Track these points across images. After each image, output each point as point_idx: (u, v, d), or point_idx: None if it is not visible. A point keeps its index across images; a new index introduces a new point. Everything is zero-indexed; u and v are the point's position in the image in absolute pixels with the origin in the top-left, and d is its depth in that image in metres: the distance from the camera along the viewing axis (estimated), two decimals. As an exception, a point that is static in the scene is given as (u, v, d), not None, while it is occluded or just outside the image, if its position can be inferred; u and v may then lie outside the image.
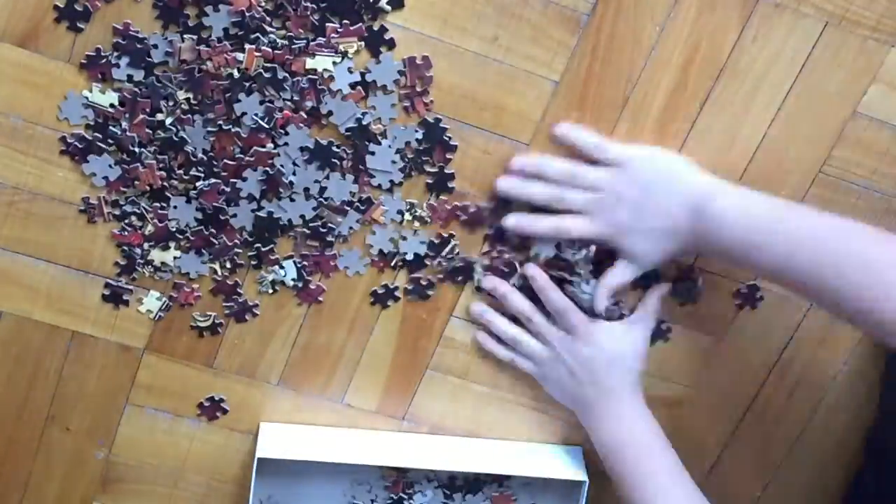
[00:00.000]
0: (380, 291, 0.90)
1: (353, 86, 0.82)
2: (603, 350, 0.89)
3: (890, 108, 0.87)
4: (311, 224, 0.86)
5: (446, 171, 0.86)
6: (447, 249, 0.89)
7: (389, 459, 0.94)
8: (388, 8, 0.79)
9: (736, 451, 1.01)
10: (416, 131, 0.84)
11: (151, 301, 0.89)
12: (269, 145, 0.83)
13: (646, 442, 0.89)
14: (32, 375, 0.91)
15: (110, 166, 0.82)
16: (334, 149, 0.83)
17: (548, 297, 0.89)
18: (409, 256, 0.89)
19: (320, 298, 0.90)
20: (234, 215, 0.85)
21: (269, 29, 0.79)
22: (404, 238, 0.88)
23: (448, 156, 0.85)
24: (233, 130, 0.82)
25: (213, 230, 0.85)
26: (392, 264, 0.89)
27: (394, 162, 0.85)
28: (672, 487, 0.87)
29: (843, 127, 0.88)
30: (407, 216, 0.87)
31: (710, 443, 1.01)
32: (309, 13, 0.78)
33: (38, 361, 0.91)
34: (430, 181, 0.86)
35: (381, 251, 0.88)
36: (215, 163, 0.83)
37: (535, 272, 0.88)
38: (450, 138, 0.85)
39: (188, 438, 0.96)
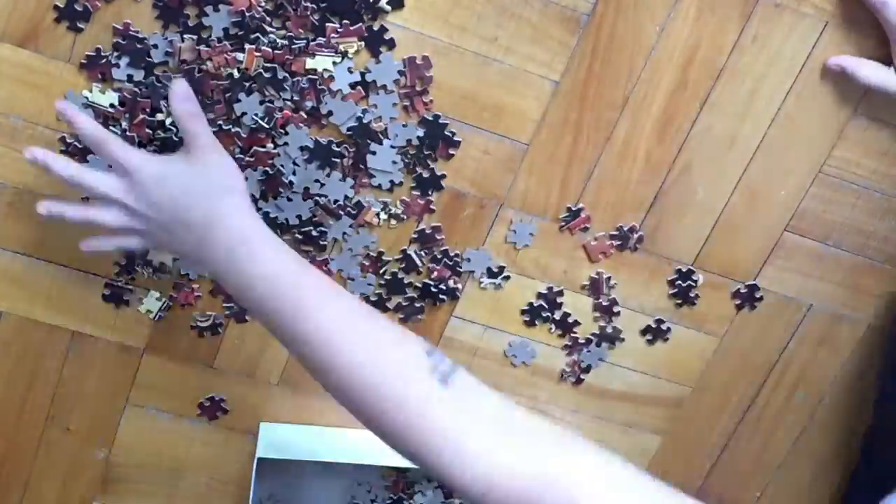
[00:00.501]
0: (374, 297, 0.91)
1: (353, 86, 0.81)
2: (170, 191, 0.73)
3: (890, 108, 0.87)
4: (303, 229, 0.86)
5: (437, 171, 0.86)
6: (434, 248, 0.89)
7: (389, 459, 0.93)
8: (388, 8, 0.79)
9: (736, 451, 1.02)
10: (417, 129, 0.84)
11: (151, 301, 0.89)
12: (269, 145, 0.83)
13: (294, 281, 0.71)
14: (32, 375, 0.91)
15: (110, 166, 0.82)
16: (334, 148, 0.83)
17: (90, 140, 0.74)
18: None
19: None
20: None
21: (268, 29, 0.78)
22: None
23: (451, 151, 0.85)
24: (233, 130, 0.82)
25: (213, 230, 0.85)
26: (381, 270, 0.89)
27: (394, 162, 0.85)
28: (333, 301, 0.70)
29: (843, 127, 0.88)
30: (383, 214, 0.87)
31: (710, 443, 1.01)
32: (309, 13, 0.78)
33: (38, 361, 0.91)
34: (425, 175, 0.86)
35: (369, 255, 0.88)
36: (215, 163, 0.83)
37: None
38: (453, 133, 0.84)
39: (188, 438, 0.96)
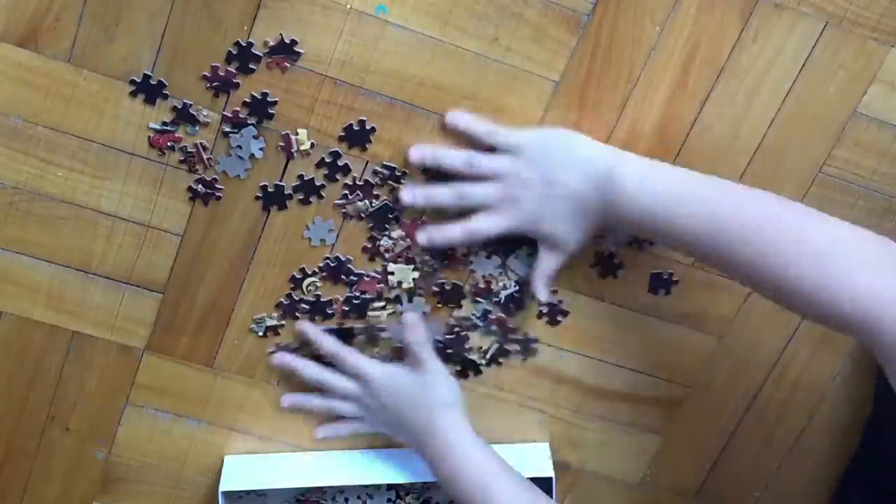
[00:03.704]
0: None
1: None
2: (398, 397, 0.90)
3: (890, 108, 0.87)
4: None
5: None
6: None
7: (363, 478, 0.95)
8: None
9: (736, 451, 1.01)
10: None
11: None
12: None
13: (481, 477, 0.85)
14: (32, 375, 0.91)
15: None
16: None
17: (341, 360, 0.90)
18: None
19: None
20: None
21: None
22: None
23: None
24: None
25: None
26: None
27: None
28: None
29: (843, 127, 0.88)
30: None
31: (710, 443, 1.01)
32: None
33: (38, 361, 0.91)
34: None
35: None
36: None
37: (306, 328, 0.90)
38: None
39: (188, 438, 0.96)
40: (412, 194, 0.84)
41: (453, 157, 0.83)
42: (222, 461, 0.96)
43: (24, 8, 0.77)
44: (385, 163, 0.85)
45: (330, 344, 0.90)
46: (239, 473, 0.93)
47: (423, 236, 0.86)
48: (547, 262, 0.85)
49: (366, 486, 0.98)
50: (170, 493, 0.98)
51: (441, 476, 0.87)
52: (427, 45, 0.82)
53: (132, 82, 0.80)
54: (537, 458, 0.96)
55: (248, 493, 0.95)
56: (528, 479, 0.86)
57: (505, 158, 0.82)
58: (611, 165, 0.79)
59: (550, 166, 0.81)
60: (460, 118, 0.83)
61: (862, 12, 0.84)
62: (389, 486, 0.99)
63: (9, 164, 0.83)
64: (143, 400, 0.94)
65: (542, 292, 0.86)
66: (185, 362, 0.92)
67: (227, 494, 0.91)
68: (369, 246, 0.88)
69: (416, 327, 0.89)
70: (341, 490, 0.98)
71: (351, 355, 0.90)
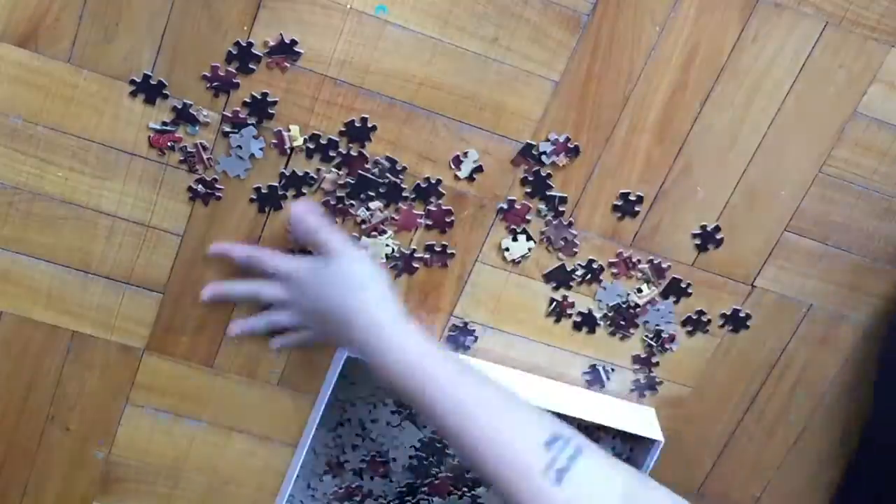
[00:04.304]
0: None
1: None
2: (321, 291, 0.84)
3: (890, 108, 0.87)
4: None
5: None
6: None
7: None
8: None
9: (736, 451, 1.02)
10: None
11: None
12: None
13: (433, 363, 0.78)
14: (32, 375, 0.91)
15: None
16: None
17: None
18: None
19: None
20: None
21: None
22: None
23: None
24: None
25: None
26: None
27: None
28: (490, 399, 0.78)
29: (843, 127, 0.88)
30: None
31: (710, 443, 1.01)
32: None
33: (38, 361, 0.91)
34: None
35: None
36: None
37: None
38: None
39: (188, 438, 0.96)
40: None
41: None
42: (222, 461, 0.96)
43: (24, 8, 0.77)
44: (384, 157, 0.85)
45: (244, 249, 0.87)
46: None
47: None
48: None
49: None
50: (170, 493, 0.98)
51: (377, 373, 0.80)
52: (427, 45, 0.82)
53: (132, 82, 0.80)
54: (645, 418, 0.96)
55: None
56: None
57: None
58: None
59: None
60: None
61: (862, 12, 0.84)
62: None
63: (9, 164, 0.83)
64: (143, 400, 0.94)
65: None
66: (185, 362, 0.92)
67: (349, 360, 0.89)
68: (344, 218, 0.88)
69: (307, 215, 0.84)
70: None
71: (267, 254, 0.86)
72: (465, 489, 0.99)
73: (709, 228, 0.91)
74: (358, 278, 0.82)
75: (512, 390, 0.78)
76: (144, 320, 0.90)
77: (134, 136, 0.83)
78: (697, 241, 0.91)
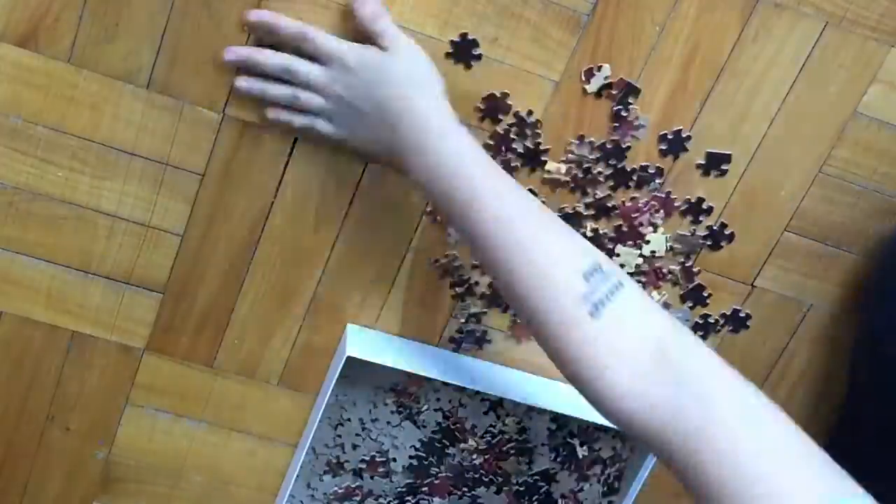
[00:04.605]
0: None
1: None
2: (370, 80, 0.76)
3: (890, 108, 0.87)
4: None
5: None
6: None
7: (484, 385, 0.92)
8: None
9: (736, 450, 1.01)
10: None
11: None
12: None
13: (484, 177, 0.73)
14: (32, 375, 0.91)
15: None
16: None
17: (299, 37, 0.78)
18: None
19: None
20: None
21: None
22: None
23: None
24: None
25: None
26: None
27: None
28: (548, 223, 0.72)
29: (843, 127, 0.88)
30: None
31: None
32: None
33: (38, 361, 0.91)
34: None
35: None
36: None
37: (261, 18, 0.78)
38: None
39: (188, 438, 0.96)
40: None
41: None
42: (222, 461, 0.96)
43: (24, 8, 0.77)
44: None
45: (291, 24, 0.78)
46: (362, 345, 0.90)
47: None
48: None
49: (463, 391, 0.95)
50: (170, 493, 0.98)
51: (421, 178, 0.74)
52: (427, 45, 0.82)
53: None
54: None
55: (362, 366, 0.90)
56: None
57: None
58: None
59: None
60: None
61: (862, 12, 0.84)
62: (491, 404, 0.97)
63: (9, 164, 0.83)
64: (143, 400, 0.94)
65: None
66: (185, 362, 0.92)
67: (350, 360, 0.88)
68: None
69: (369, 1, 0.76)
70: (436, 389, 0.95)
71: (318, 34, 0.77)
72: (465, 489, 0.99)
73: (715, 227, 0.91)
74: (415, 77, 0.75)
75: (558, 217, 0.73)
76: (144, 320, 0.90)
77: (134, 136, 0.83)
78: (709, 242, 0.91)
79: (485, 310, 0.92)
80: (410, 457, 0.97)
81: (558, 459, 0.99)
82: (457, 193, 0.72)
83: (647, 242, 0.90)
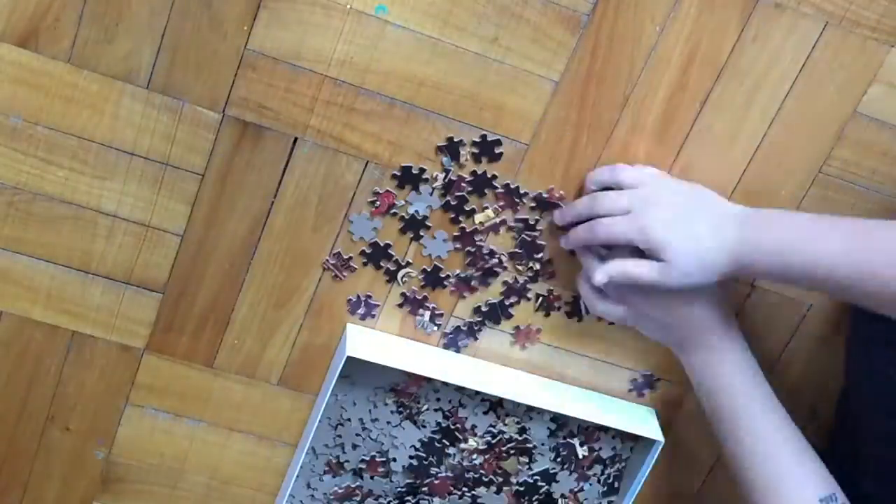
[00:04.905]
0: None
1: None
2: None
3: (890, 108, 0.87)
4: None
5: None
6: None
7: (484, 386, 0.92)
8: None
9: (736, 451, 1.01)
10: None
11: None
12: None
13: (744, 391, 0.86)
14: (32, 375, 0.91)
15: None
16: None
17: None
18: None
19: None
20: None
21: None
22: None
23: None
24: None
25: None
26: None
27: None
28: (782, 447, 0.85)
29: (843, 127, 0.88)
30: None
31: (710, 443, 1.01)
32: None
33: (38, 361, 0.91)
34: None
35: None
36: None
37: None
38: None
39: (188, 438, 0.96)
40: (561, 215, 0.88)
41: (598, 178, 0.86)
42: (222, 461, 0.96)
43: (24, 8, 0.77)
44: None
45: (600, 173, 0.86)
46: (362, 345, 0.90)
47: (563, 241, 0.88)
48: (642, 270, 0.82)
49: (463, 391, 0.95)
50: (170, 493, 0.98)
51: (697, 386, 0.88)
52: (427, 45, 0.82)
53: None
54: (644, 419, 0.97)
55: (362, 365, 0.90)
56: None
57: (644, 181, 0.85)
58: (743, 216, 0.81)
59: (687, 201, 0.83)
60: (599, 174, 0.86)
61: (862, 12, 0.83)
62: (491, 404, 0.97)
63: (9, 164, 0.83)
64: (143, 400, 0.94)
65: (601, 275, 0.84)
66: (185, 362, 0.92)
67: (350, 360, 0.88)
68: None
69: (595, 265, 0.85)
70: (436, 389, 0.95)
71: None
72: (465, 489, 0.99)
73: None
74: (692, 294, 0.84)
75: (803, 438, 0.86)
76: (144, 320, 0.90)
77: (134, 136, 0.83)
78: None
79: (484, 311, 0.93)
80: (410, 457, 0.97)
81: (558, 459, 0.99)
82: (715, 406, 0.86)
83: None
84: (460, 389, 0.94)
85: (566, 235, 0.87)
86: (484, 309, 0.92)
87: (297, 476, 0.95)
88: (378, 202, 0.87)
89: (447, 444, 0.97)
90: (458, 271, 0.90)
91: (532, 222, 0.89)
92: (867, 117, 0.88)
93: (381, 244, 0.88)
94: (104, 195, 0.85)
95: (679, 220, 0.81)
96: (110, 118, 0.82)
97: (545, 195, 0.88)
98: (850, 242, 0.75)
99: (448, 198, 0.87)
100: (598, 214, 0.84)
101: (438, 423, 0.96)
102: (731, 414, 0.85)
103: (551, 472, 0.99)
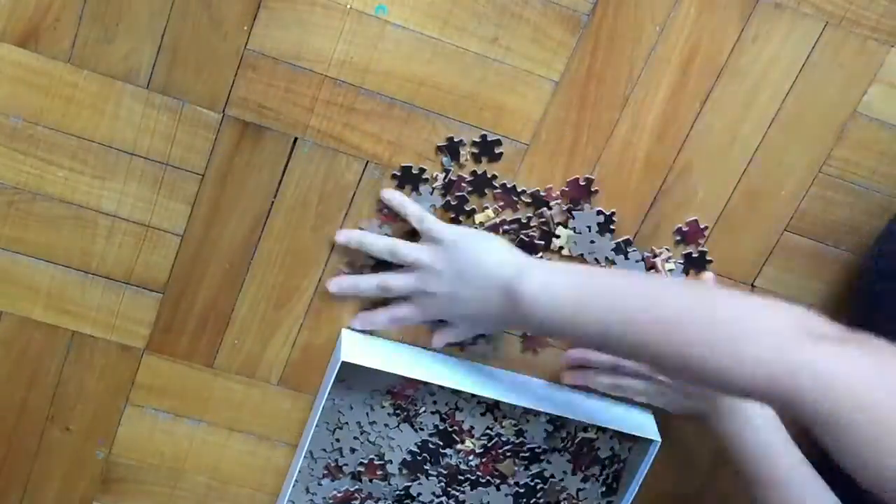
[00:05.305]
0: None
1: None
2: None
3: (890, 108, 0.87)
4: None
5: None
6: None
7: (481, 388, 0.92)
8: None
9: (736, 451, 1.01)
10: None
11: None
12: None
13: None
14: (32, 375, 0.91)
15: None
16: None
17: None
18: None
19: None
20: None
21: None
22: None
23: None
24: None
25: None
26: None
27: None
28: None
29: (843, 127, 0.88)
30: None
31: (710, 443, 1.01)
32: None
33: (38, 361, 0.91)
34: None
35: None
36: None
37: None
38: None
39: (188, 438, 0.96)
40: (338, 285, 0.88)
41: (377, 243, 0.86)
42: (222, 461, 0.96)
43: (24, 8, 0.77)
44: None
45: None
46: (357, 349, 0.90)
47: (356, 322, 0.90)
48: (446, 336, 0.89)
49: (460, 393, 0.95)
50: (170, 493, 0.98)
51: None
52: (427, 45, 0.82)
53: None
54: (642, 419, 0.97)
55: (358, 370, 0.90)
56: None
57: (424, 250, 0.85)
58: (515, 273, 0.80)
59: (464, 266, 0.83)
60: (394, 197, 0.86)
61: (862, 12, 0.84)
62: (488, 406, 0.97)
63: (9, 164, 0.83)
64: (143, 400, 0.94)
65: (436, 341, 0.90)
66: (185, 362, 0.92)
67: (344, 366, 0.88)
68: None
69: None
70: (432, 392, 0.95)
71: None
72: (461, 491, 0.99)
73: (694, 255, 0.92)
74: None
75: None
76: (144, 320, 0.90)
77: (134, 136, 0.83)
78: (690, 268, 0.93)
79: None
80: (408, 459, 0.97)
81: (556, 460, 0.99)
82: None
83: (557, 237, 0.90)
84: (457, 392, 0.94)
85: (339, 280, 0.88)
86: None
87: (296, 481, 0.95)
88: (386, 209, 0.87)
89: (444, 446, 0.97)
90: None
91: (530, 222, 0.89)
92: (867, 117, 0.88)
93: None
94: (104, 195, 0.85)
95: (452, 308, 0.85)
96: (110, 118, 0.82)
97: (542, 193, 0.88)
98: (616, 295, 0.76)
99: (448, 198, 0.87)
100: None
101: (436, 426, 0.96)
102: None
103: (550, 472, 0.99)
